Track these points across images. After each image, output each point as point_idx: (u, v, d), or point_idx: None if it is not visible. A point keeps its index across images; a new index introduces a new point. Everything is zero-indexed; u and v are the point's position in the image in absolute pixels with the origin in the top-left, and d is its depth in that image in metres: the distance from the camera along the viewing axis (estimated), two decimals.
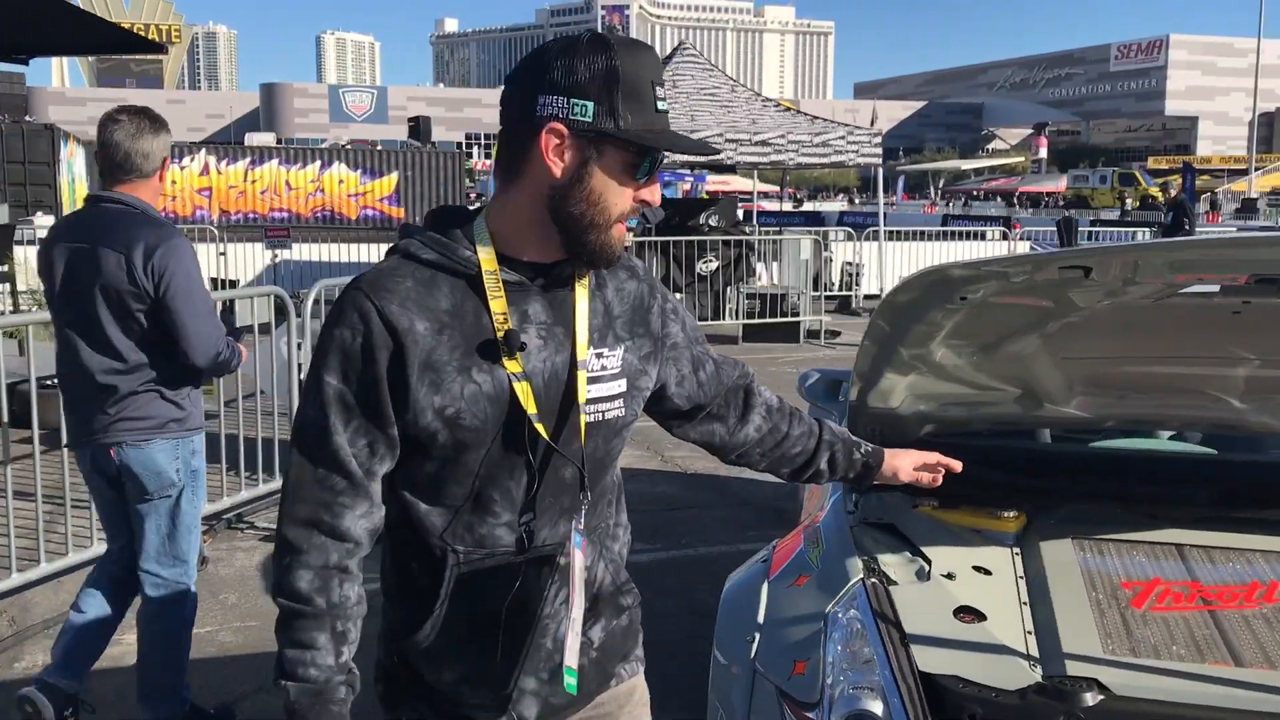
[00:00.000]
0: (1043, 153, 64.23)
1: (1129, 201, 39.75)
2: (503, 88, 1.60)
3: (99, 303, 3.20)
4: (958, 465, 2.20)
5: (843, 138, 11.86)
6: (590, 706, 1.78)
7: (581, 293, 1.64)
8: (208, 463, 3.65)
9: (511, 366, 1.55)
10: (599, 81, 1.49)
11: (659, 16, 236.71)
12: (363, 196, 18.28)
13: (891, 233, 15.57)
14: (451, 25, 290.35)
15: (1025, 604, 2.59)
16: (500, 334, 1.55)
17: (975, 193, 60.12)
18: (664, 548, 5.59)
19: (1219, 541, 2.88)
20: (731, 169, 15.60)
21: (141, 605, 3.42)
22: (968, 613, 2.53)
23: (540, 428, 1.57)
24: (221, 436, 5.76)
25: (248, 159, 18.15)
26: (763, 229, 14.99)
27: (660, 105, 1.54)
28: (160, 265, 3.18)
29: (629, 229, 1.88)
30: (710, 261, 12.75)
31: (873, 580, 2.59)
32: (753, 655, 2.51)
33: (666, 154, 1.55)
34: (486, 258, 1.57)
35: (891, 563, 2.70)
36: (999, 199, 56.72)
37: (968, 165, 68.62)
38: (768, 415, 2.00)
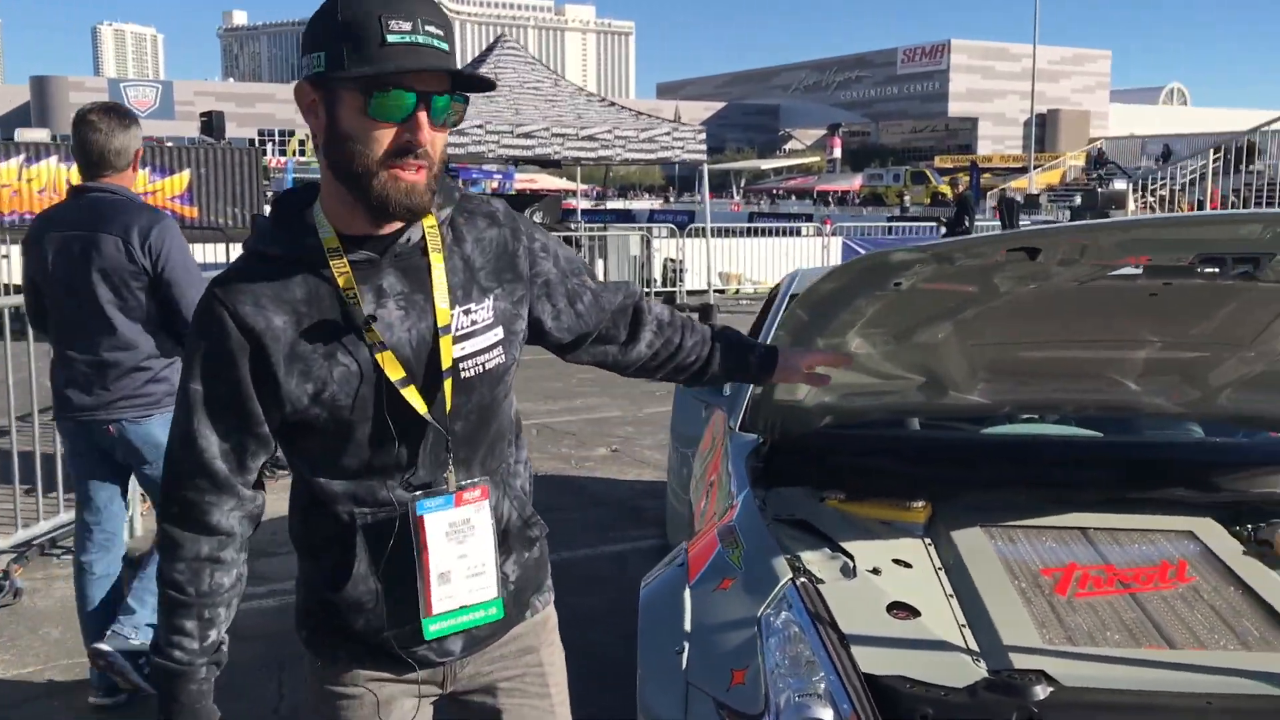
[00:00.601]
0: (837, 153, 66.55)
1: (907, 198, 41.66)
2: None
3: (98, 285, 3.38)
4: (848, 359, 2.39)
5: (668, 134, 11.86)
6: (510, 638, 1.89)
7: (436, 258, 1.67)
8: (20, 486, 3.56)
9: (370, 337, 1.61)
10: (323, 31, 1.53)
11: (459, 13, 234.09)
12: (153, 195, 17.12)
13: (712, 229, 15.73)
14: (240, 18, 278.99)
15: (951, 596, 2.54)
16: (355, 306, 1.61)
17: (775, 191, 61.79)
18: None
19: (1120, 523, 2.91)
20: (556, 164, 15.41)
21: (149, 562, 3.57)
22: (901, 609, 2.45)
23: (410, 393, 1.64)
24: (36, 456, 5.23)
25: (22, 156, 16.81)
26: (587, 226, 14.88)
27: (394, 38, 1.51)
28: (157, 244, 3.38)
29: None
30: None
31: (802, 580, 2.49)
32: (684, 667, 2.37)
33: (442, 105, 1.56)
34: (328, 239, 1.62)
35: (814, 560, 2.61)
36: (794, 197, 58.44)
37: (767, 165, 70.54)
38: (659, 330, 2.05)
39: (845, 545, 2.69)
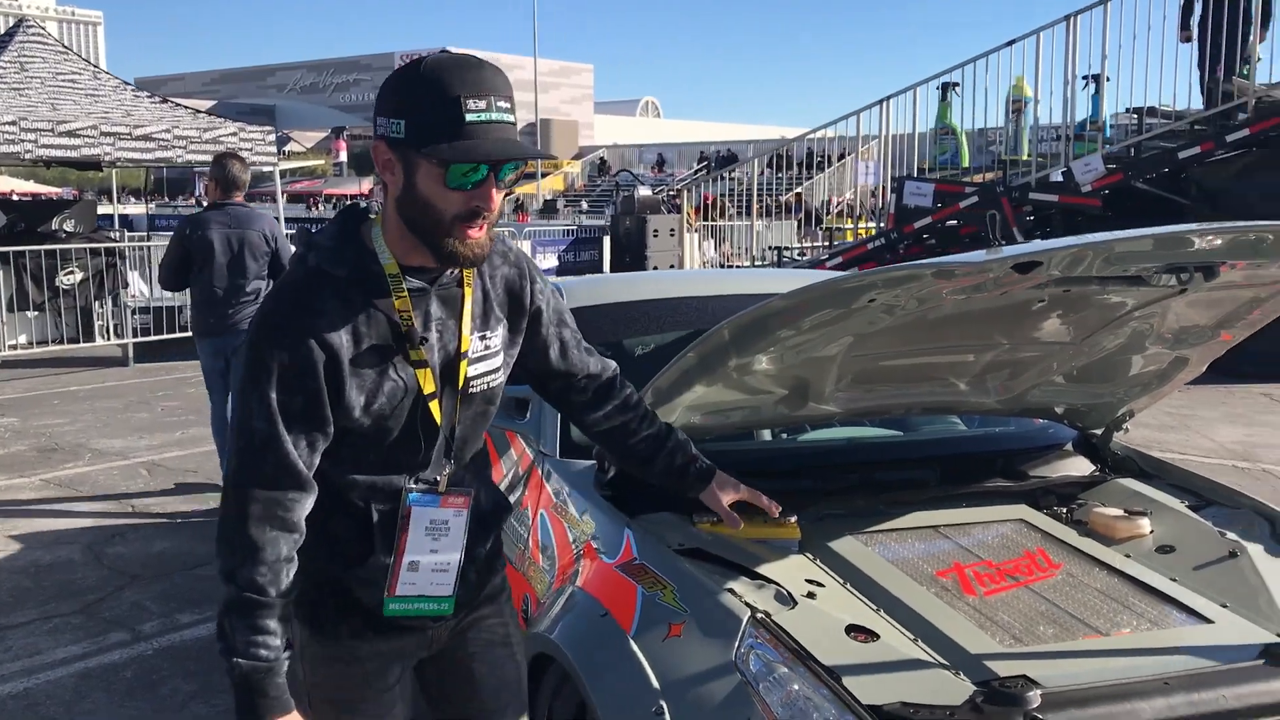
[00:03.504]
0: (342, 156, 65.17)
1: None
2: None
3: (248, 255, 6.00)
4: (776, 509, 2.49)
5: (235, 134, 10.89)
6: (481, 599, 2.13)
7: (468, 291, 1.92)
8: None
9: (416, 356, 1.84)
10: (407, 100, 1.71)
11: None
12: None
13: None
14: None
15: (876, 610, 2.51)
16: (408, 328, 1.82)
17: (281, 193, 59.11)
18: (210, 614, 4.65)
19: (959, 518, 3.04)
20: (96, 166, 13.56)
21: None
22: (859, 631, 2.38)
23: (434, 405, 1.89)
24: None
25: None
26: (130, 234, 13.29)
27: (472, 117, 1.69)
28: (275, 233, 6.18)
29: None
30: (73, 273, 11.03)
31: (761, 614, 2.34)
32: None
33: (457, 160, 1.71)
34: (389, 265, 1.82)
35: (745, 591, 2.47)
36: (316, 203, 56.37)
37: (269, 167, 67.25)
38: (622, 409, 2.27)
39: (757, 570, 2.58)
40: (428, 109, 1.69)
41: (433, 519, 1.93)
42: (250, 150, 10.97)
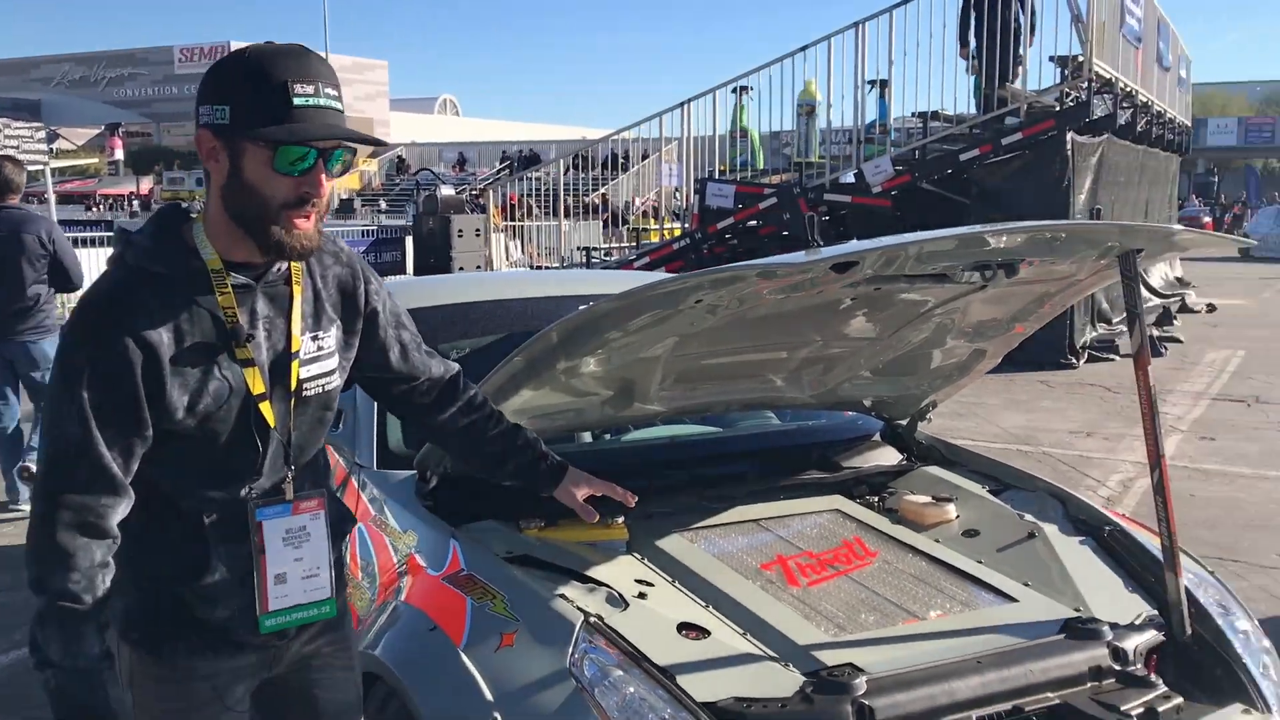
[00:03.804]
0: (118, 154, 61.59)
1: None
2: None
3: (25, 261, 5.77)
4: (632, 499, 2.42)
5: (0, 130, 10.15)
6: (331, 627, 2.05)
7: (297, 289, 1.86)
8: None
9: (242, 354, 1.78)
10: (230, 86, 1.69)
11: None
12: None
13: None
14: None
15: (705, 607, 2.54)
16: (233, 326, 1.76)
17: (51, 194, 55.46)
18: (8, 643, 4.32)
19: (778, 511, 3.11)
20: None
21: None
22: (690, 629, 2.41)
23: (265, 407, 1.82)
24: None
25: None
26: None
27: (299, 100, 1.67)
28: (53, 236, 5.90)
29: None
30: None
31: (594, 618, 2.33)
32: None
33: (324, 144, 1.71)
34: (212, 261, 1.76)
35: (576, 596, 2.45)
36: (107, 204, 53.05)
37: (37, 166, 63.09)
38: (467, 410, 2.23)
39: (589, 574, 2.57)
40: (254, 93, 1.66)
41: (288, 528, 1.89)
42: (17, 149, 10.25)
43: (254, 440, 1.82)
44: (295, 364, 1.85)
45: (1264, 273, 24.16)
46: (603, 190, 21.67)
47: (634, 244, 16.01)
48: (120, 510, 1.73)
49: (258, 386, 1.80)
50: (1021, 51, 11.67)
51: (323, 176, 1.73)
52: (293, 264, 1.84)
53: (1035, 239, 2.43)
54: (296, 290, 1.86)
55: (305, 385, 1.88)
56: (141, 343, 1.68)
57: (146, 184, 56.20)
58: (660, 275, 2.50)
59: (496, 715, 2.15)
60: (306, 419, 1.91)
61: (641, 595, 2.50)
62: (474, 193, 24.28)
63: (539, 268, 16.40)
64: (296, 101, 1.66)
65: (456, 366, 2.23)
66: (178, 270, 1.74)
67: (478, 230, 15.57)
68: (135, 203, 49.65)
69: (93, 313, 1.70)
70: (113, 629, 1.81)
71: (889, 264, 2.31)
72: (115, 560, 1.75)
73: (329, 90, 1.70)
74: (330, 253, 1.96)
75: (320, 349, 1.90)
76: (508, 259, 16.92)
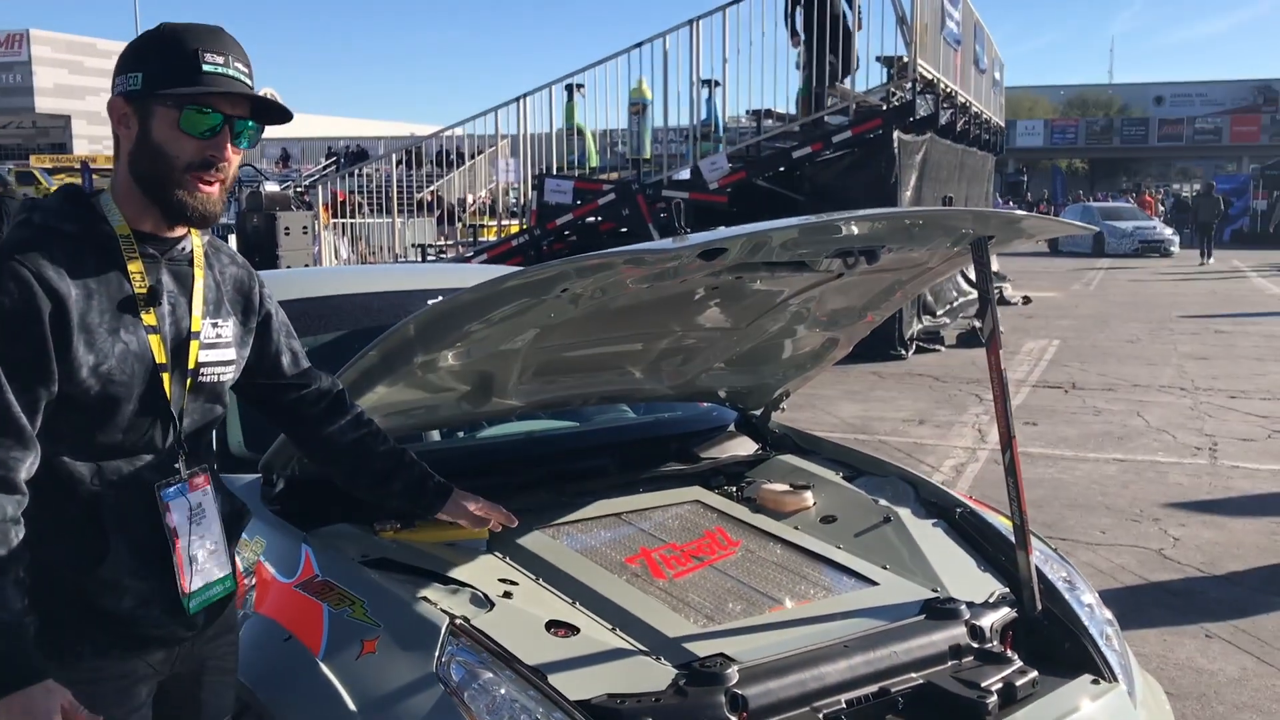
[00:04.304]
0: None
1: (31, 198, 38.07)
2: None
3: None
4: (514, 520, 2.46)
5: None
6: (224, 617, 2.05)
7: (199, 271, 1.90)
8: None
9: (148, 320, 1.79)
10: (145, 53, 1.77)
11: None
12: None
13: None
14: None
15: (572, 603, 2.49)
16: (142, 292, 1.78)
17: None
18: None
19: (639, 504, 3.08)
20: None
21: None
22: (559, 627, 2.35)
23: (165, 379, 1.82)
24: None
25: None
26: None
27: (209, 68, 1.74)
28: None
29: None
30: None
31: (459, 619, 2.25)
32: None
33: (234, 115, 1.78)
34: (120, 226, 1.79)
35: (439, 598, 2.36)
36: None
37: None
38: (355, 425, 2.24)
39: (450, 575, 2.48)
40: (164, 58, 1.74)
41: (190, 507, 1.90)
42: None
43: (151, 414, 1.82)
44: (195, 344, 1.87)
45: (1069, 266, 25.63)
46: (434, 187, 21.31)
47: (471, 241, 15.80)
48: (28, 464, 1.69)
49: (160, 356, 1.81)
50: (853, 48, 12.00)
51: (228, 143, 1.78)
52: (195, 247, 1.89)
53: (895, 226, 2.46)
54: (199, 273, 1.89)
55: (202, 369, 1.89)
56: (50, 292, 1.68)
57: None
58: (513, 268, 2.43)
59: None
60: (199, 404, 1.92)
61: (507, 595, 2.43)
62: (299, 189, 23.51)
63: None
64: (206, 68, 1.74)
65: (340, 382, 2.25)
66: (86, 231, 1.76)
67: (305, 228, 15.07)
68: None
69: (3, 262, 1.69)
70: None
71: (755, 250, 2.31)
72: None
73: (239, 65, 1.78)
74: (227, 253, 2.03)
75: (219, 337, 1.93)
76: (337, 257, 16.46)
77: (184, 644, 1.95)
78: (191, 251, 1.90)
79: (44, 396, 1.71)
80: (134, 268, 1.79)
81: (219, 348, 1.93)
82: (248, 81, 1.80)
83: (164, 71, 1.74)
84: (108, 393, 1.75)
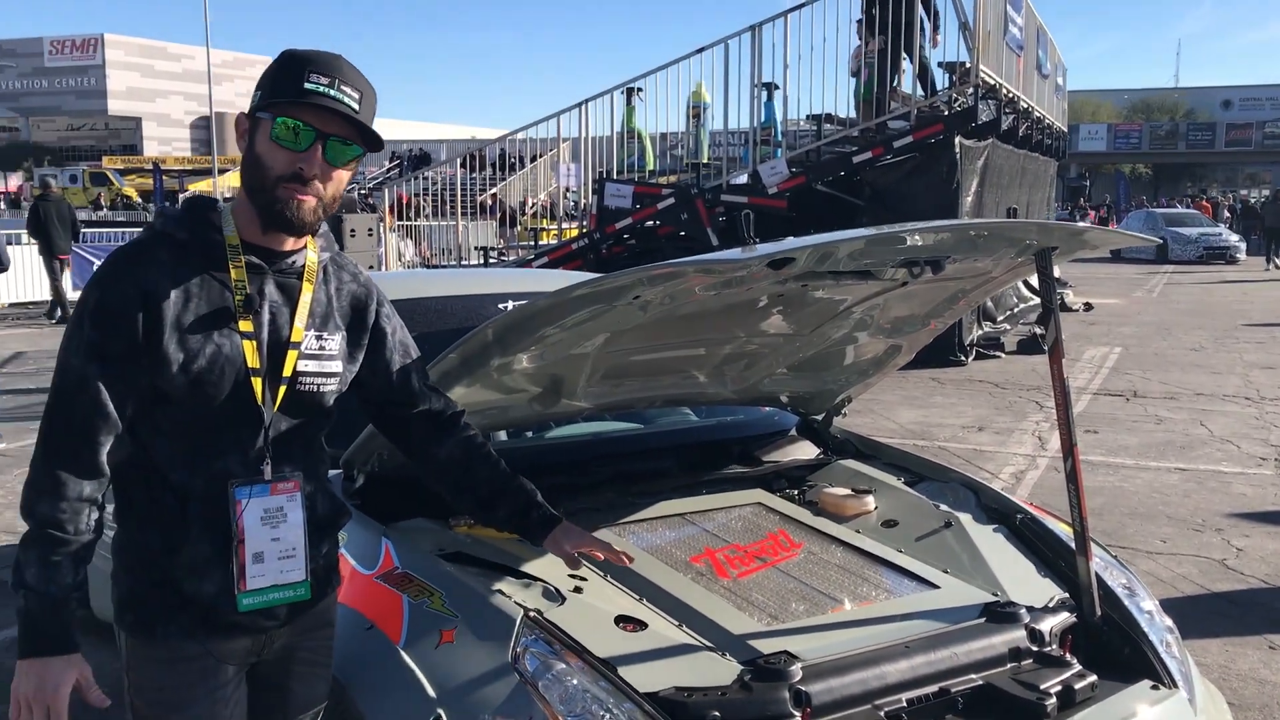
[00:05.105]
0: None
1: (104, 199, 38.95)
2: None
3: None
4: (627, 560, 2.39)
5: None
6: (318, 610, 2.10)
7: (307, 285, 1.99)
8: None
9: (244, 326, 1.89)
10: (266, 77, 1.89)
11: None
12: None
13: None
14: None
15: (639, 600, 2.57)
16: (239, 299, 1.88)
17: None
18: None
19: (703, 505, 3.16)
20: None
21: None
22: (627, 622, 2.43)
23: (257, 383, 1.91)
24: None
25: None
26: None
27: (310, 86, 1.83)
28: None
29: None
30: None
31: (532, 612, 2.34)
32: None
33: (331, 131, 1.85)
34: (231, 236, 1.91)
35: (514, 591, 2.46)
36: None
37: None
38: (464, 446, 2.27)
39: (523, 569, 2.58)
40: (275, 77, 1.86)
41: (265, 508, 1.94)
42: None
43: (242, 415, 1.90)
44: (293, 354, 1.95)
45: (1132, 272, 25.25)
46: (494, 190, 21.53)
47: (531, 244, 15.96)
48: (109, 447, 1.82)
49: (253, 360, 1.89)
50: (926, 53, 11.98)
51: (318, 157, 1.85)
52: (309, 262, 1.99)
53: (960, 237, 2.52)
54: (307, 286, 1.98)
55: (301, 378, 1.97)
56: (146, 292, 1.80)
57: (15, 180, 53.94)
58: (587, 274, 2.52)
59: (440, 712, 2.14)
60: (293, 411, 1.98)
61: (577, 590, 2.51)
62: (364, 192, 23.87)
63: (433, 267, 16.23)
64: (307, 86, 1.82)
65: (459, 406, 2.30)
66: (198, 238, 1.88)
67: (370, 230, 15.32)
68: (1, 201, 47.62)
69: (109, 262, 1.86)
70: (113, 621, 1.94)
71: (822, 260, 2.37)
72: (107, 550, 1.85)
73: (347, 89, 1.85)
74: (350, 271, 2.11)
75: (322, 349, 2.00)
76: (400, 259, 16.71)
77: (270, 633, 2.01)
78: (304, 266, 1.98)
79: (131, 386, 1.82)
80: (236, 275, 1.88)
81: (321, 359, 2.00)
82: (351, 105, 1.86)
83: (272, 87, 1.85)
84: (197, 390, 1.85)
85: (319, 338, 2.00)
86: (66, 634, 1.79)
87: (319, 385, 2.00)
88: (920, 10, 11.73)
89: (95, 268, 1.90)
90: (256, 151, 1.86)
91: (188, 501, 1.89)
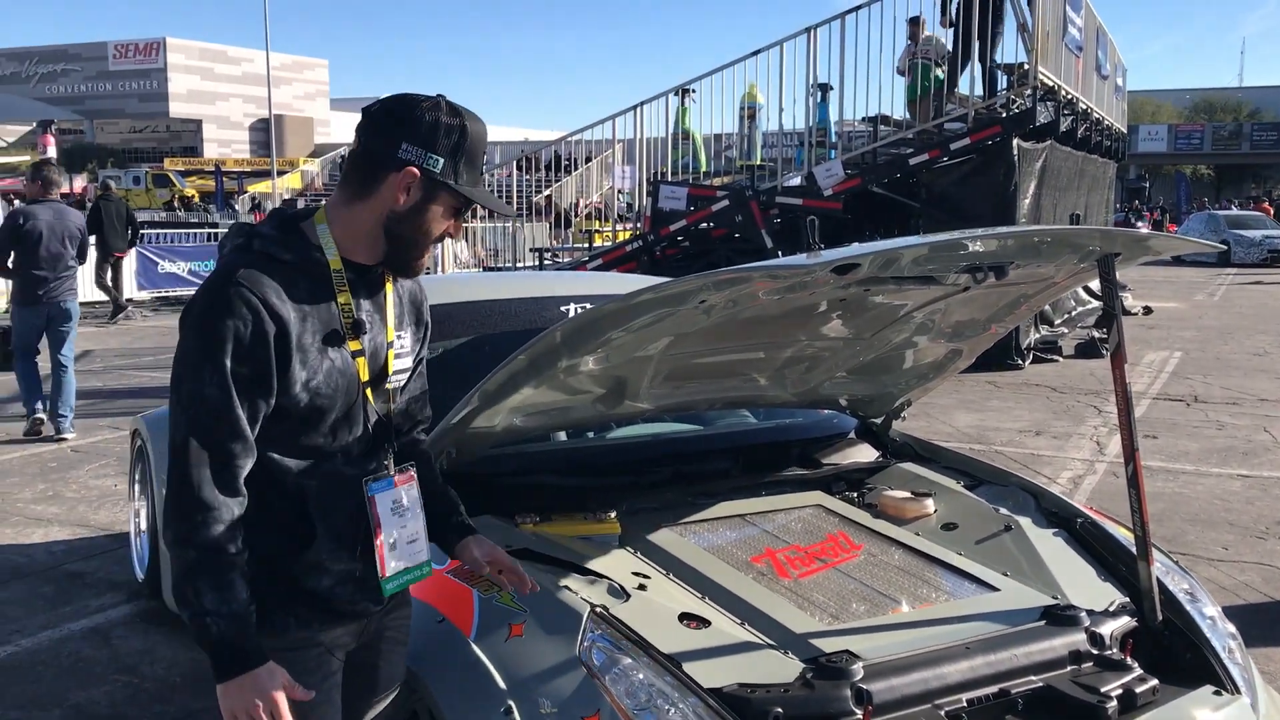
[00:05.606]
0: (51, 151, 60.28)
1: (175, 201, 39.70)
2: (361, 120, 1.99)
3: (67, 241, 7.86)
4: (530, 586, 2.24)
5: None
6: (406, 603, 2.25)
7: (389, 288, 2.11)
8: None
9: (354, 345, 2.00)
10: (450, 143, 1.94)
11: None
12: None
13: None
14: None
15: (702, 598, 2.62)
16: (348, 321, 1.98)
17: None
18: None
19: (763, 506, 3.20)
20: None
21: (65, 370, 7.85)
22: (690, 619, 2.48)
23: (369, 391, 2.04)
24: None
25: None
26: None
27: (483, 171, 1.99)
28: (80, 225, 8.11)
29: None
30: None
31: (599, 608, 2.40)
32: None
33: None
34: (334, 259, 1.98)
35: (579, 587, 2.52)
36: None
37: None
38: (412, 447, 2.26)
39: (587, 567, 2.64)
40: (467, 159, 1.95)
41: (394, 500, 2.08)
42: None
43: (358, 422, 2.02)
44: (390, 353, 2.08)
45: (1193, 275, 24.84)
46: (548, 191, 21.67)
47: (586, 245, 16.05)
48: (248, 468, 1.90)
49: (365, 374, 2.01)
50: (996, 56, 11.93)
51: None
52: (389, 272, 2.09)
53: (1024, 243, 2.54)
54: (389, 288, 2.09)
55: (396, 375, 2.10)
56: (275, 318, 1.87)
57: (80, 182, 55.06)
58: (649, 278, 2.57)
59: (510, 703, 2.21)
60: (398, 404, 2.13)
61: (641, 587, 2.57)
62: None
63: (488, 268, 16.37)
64: (484, 173, 2.01)
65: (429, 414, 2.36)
66: (302, 261, 1.94)
67: None
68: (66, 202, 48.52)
69: (232, 288, 1.86)
70: None
71: (886, 266, 2.41)
72: None
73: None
74: None
75: (404, 346, 2.13)
76: (456, 260, 16.87)
77: (371, 619, 2.12)
78: (382, 273, 2.07)
79: (263, 409, 1.90)
80: (343, 299, 1.97)
81: (403, 356, 2.12)
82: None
83: (461, 168, 1.94)
84: (315, 404, 1.94)
85: (400, 336, 2.11)
86: (258, 646, 1.86)
87: (401, 380, 2.13)
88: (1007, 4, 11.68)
89: (204, 293, 1.90)
90: (428, 219, 1.96)
91: (306, 504, 1.98)
